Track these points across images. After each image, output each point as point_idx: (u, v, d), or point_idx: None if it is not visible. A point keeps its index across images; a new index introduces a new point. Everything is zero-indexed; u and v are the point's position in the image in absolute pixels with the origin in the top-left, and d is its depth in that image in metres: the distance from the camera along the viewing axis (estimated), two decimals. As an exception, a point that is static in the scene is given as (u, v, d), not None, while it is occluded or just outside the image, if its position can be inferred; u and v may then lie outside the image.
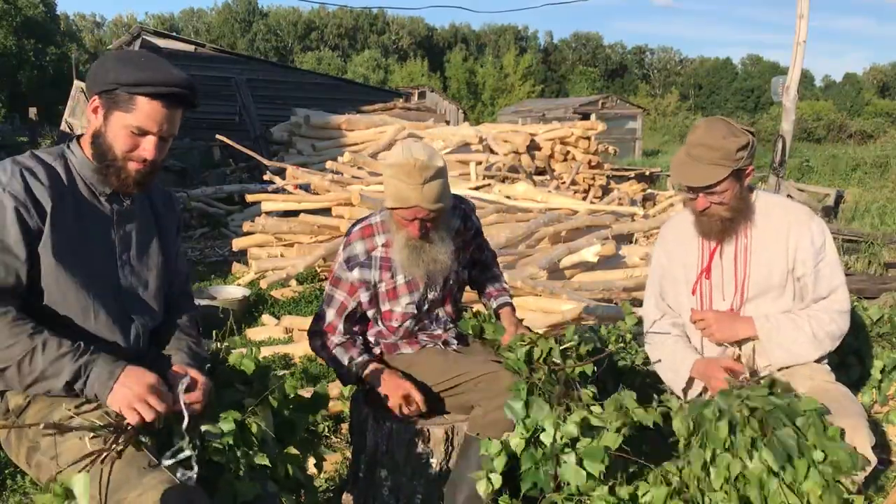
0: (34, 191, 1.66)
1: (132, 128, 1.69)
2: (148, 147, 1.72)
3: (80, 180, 1.76)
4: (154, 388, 1.63)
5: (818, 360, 2.46)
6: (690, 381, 2.47)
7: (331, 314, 2.45)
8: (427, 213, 2.24)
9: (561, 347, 2.29)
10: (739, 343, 2.41)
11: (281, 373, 4.05)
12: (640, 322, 3.00)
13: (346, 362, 2.41)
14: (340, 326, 2.45)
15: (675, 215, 2.70)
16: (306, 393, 3.45)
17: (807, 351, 2.38)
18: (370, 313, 2.49)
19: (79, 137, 1.80)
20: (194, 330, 1.99)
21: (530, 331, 2.51)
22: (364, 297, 2.44)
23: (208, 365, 1.93)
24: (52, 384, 1.62)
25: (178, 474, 1.57)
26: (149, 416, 1.60)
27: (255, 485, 1.70)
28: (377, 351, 2.54)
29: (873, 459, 2.15)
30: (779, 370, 2.45)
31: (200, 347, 1.94)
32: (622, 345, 3.07)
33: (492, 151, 11.24)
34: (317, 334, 2.49)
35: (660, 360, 2.55)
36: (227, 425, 1.71)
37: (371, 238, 2.42)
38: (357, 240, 2.42)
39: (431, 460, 2.40)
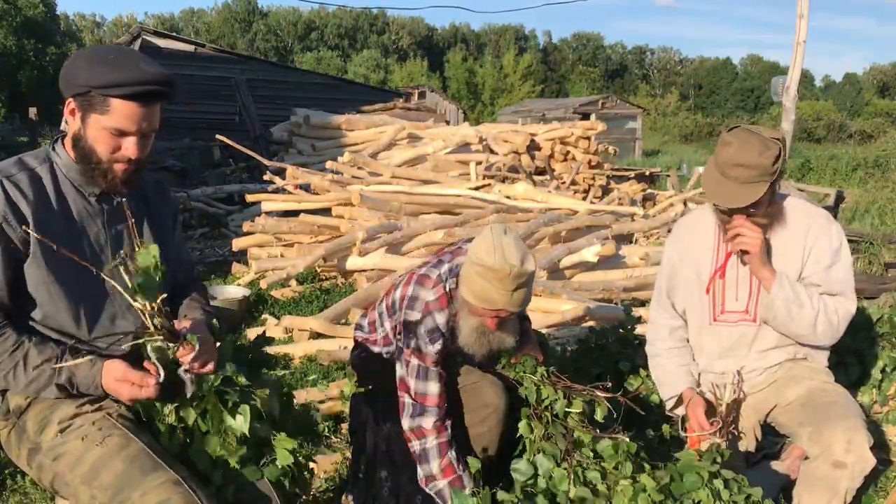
0: (16, 203, 1.64)
1: (111, 129, 1.66)
2: (130, 147, 1.69)
3: (68, 182, 1.74)
4: (131, 381, 1.62)
5: (811, 349, 2.47)
6: (678, 402, 2.52)
7: (434, 387, 2.22)
8: (510, 314, 2.15)
9: (567, 410, 2.22)
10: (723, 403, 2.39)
11: (281, 373, 4.05)
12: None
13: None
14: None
15: (690, 213, 2.68)
16: (307, 394, 3.44)
17: (801, 328, 2.35)
18: None
19: (63, 138, 1.77)
20: (204, 300, 1.99)
21: (542, 349, 2.51)
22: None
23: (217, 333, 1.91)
24: (51, 395, 1.67)
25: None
26: (144, 395, 1.63)
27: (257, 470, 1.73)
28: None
29: (872, 460, 2.16)
30: (776, 365, 2.46)
31: (209, 310, 1.95)
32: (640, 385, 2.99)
33: (492, 151, 11.25)
34: (426, 425, 2.21)
35: (655, 373, 2.64)
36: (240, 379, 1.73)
37: (449, 308, 2.24)
38: (437, 310, 2.23)
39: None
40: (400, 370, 2.28)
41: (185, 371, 1.67)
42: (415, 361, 2.23)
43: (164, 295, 1.59)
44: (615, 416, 2.26)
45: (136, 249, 1.58)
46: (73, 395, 1.67)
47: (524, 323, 2.58)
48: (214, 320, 1.91)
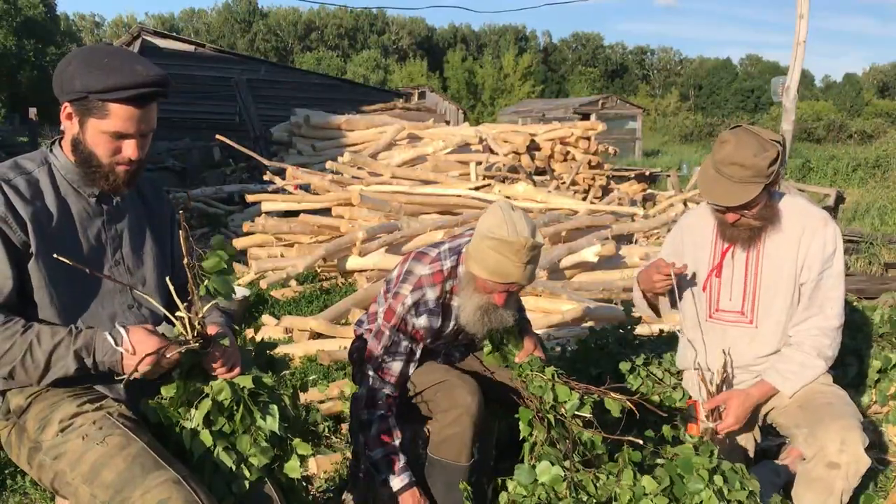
0: (15, 205, 1.64)
1: (110, 133, 1.67)
2: (130, 149, 1.70)
3: (66, 184, 1.75)
4: (158, 342, 1.62)
5: None
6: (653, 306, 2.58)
7: (398, 366, 2.27)
8: (520, 288, 2.19)
9: (577, 413, 2.17)
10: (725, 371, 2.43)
11: (281, 373, 4.05)
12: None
13: (383, 464, 2.24)
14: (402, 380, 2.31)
15: (696, 208, 2.66)
16: (307, 394, 3.44)
17: (813, 376, 2.38)
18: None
19: (60, 140, 1.77)
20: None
21: (544, 352, 2.51)
22: (428, 341, 2.33)
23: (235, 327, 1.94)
24: (63, 370, 1.63)
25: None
26: (165, 365, 1.64)
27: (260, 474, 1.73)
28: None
29: (866, 460, 2.15)
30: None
31: (230, 312, 1.97)
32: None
33: (492, 151, 11.24)
34: (380, 399, 2.27)
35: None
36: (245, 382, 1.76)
37: (441, 284, 2.27)
38: (429, 286, 2.26)
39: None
40: (371, 340, 2.31)
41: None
42: (389, 334, 2.26)
43: (215, 302, 1.62)
44: (621, 420, 2.23)
45: (205, 253, 1.62)
46: (87, 367, 1.64)
47: (526, 324, 2.58)
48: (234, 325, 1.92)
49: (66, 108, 1.68)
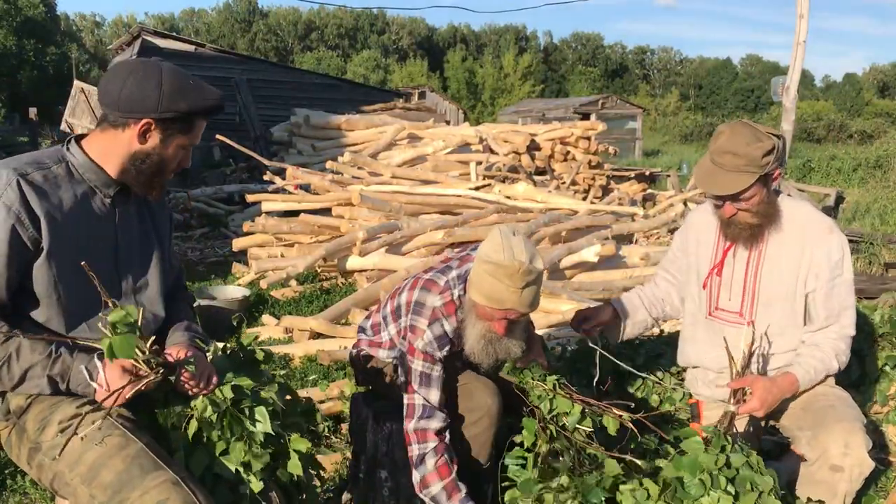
0: (31, 201, 1.63)
1: (188, 146, 1.77)
2: (188, 157, 1.81)
3: (84, 183, 1.74)
4: (128, 379, 1.60)
5: None
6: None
7: (436, 393, 2.23)
8: (518, 315, 2.14)
9: (578, 426, 2.15)
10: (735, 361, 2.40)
11: (281, 372, 4.05)
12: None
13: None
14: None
15: (704, 204, 2.64)
16: (307, 394, 3.44)
17: (824, 377, 2.37)
18: None
19: (78, 139, 1.77)
20: (190, 311, 2.03)
21: (545, 352, 2.49)
22: None
23: (207, 346, 1.92)
24: (37, 389, 1.65)
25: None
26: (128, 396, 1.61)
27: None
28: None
29: (869, 464, 2.14)
30: (774, 370, 2.45)
31: (197, 326, 1.97)
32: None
33: (492, 151, 11.24)
34: (431, 429, 2.20)
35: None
36: (227, 391, 1.75)
37: (456, 314, 2.24)
38: (444, 317, 2.23)
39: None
40: (403, 374, 2.28)
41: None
42: (418, 367, 2.22)
43: (153, 338, 1.64)
44: (627, 432, 2.20)
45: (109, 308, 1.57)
46: (61, 391, 1.65)
47: (529, 327, 2.57)
48: (199, 340, 1.90)
49: (145, 126, 1.69)
